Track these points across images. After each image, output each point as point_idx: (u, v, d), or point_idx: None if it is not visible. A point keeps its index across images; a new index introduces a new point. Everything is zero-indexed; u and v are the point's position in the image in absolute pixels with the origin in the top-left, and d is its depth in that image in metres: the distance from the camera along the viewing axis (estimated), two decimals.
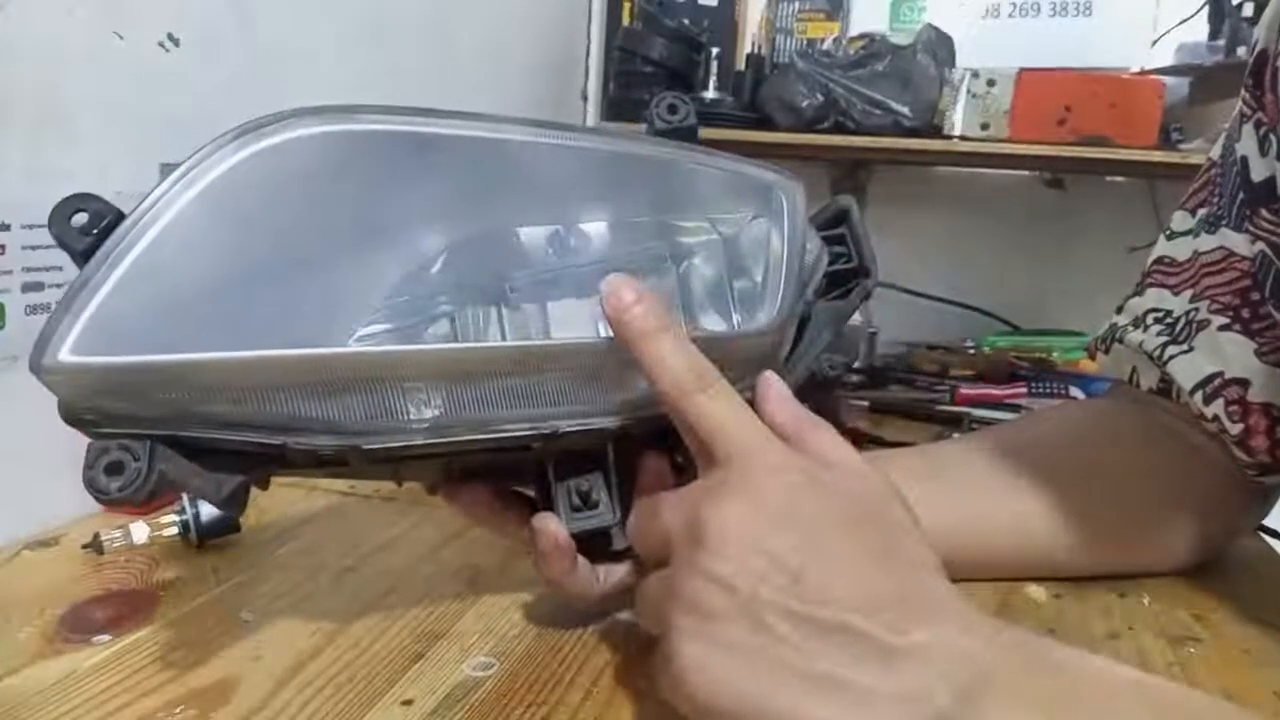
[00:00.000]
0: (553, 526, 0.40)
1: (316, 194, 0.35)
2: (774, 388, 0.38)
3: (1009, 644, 0.30)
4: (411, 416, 0.35)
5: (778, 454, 0.34)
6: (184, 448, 0.33)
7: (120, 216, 0.32)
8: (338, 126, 0.34)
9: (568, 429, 0.37)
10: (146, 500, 0.32)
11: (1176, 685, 0.32)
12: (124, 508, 0.33)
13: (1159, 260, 0.56)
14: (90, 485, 0.31)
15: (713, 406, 0.35)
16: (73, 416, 0.32)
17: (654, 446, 0.41)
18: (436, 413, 0.35)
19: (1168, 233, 0.56)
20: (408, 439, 0.35)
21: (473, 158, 0.37)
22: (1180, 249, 0.54)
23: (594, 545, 0.41)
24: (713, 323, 0.42)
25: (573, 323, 0.40)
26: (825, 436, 0.36)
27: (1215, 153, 0.54)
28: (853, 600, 0.30)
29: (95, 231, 0.32)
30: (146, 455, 0.32)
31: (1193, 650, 0.46)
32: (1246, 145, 0.50)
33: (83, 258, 0.32)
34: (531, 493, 0.43)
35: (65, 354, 0.30)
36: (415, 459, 0.38)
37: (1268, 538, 0.62)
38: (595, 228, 0.40)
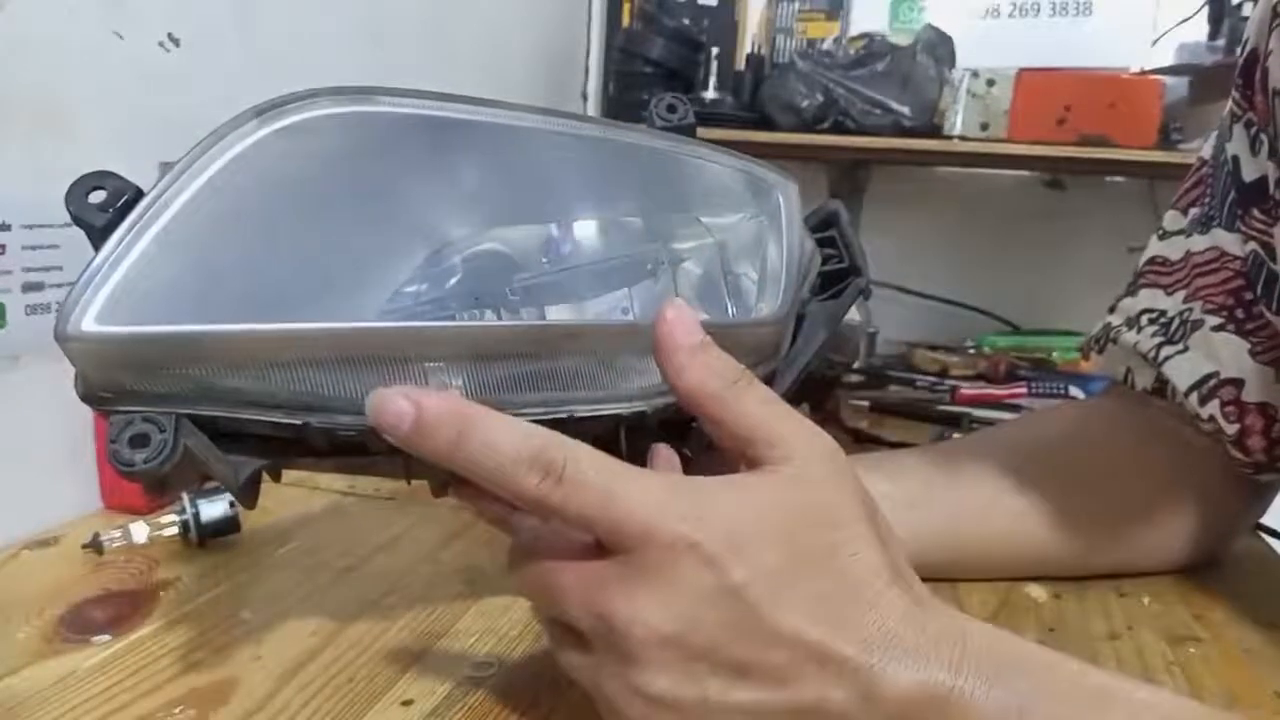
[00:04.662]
0: None
1: (334, 174, 0.35)
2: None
3: (976, 670, 0.28)
4: None
5: (675, 525, 0.29)
6: (202, 429, 0.33)
7: (139, 193, 0.32)
8: (357, 108, 0.34)
9: (583, 414, 0.37)
10: (165, 481, 0.31)
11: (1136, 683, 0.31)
12: (146, 483, 0.32)
13: (1152, 260, 0.56)
14: (114, 458, 0.30)
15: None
16: (91, 394, 0.32)
17: (664, 436, 0.41)
18: (457, 394, 0.35)
19: (1160, 233, 0.56)
20: None
21: (488, 144, 0.37)
22: (1173, 249, 0.54)
23: None
24: None
25: None
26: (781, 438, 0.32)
27: (1206, 151, 0.54)
28: (802, 666, 0.28)
29: (113, 209, 0.31)
30: (172, 428, 0.31)
31: (1193, 650, 0.46)
32: (1237, 145, 0.50)
33: (101, 235, 0.31)
34: None
35: (89, 323, 0.29)
36: None
37: (1268, 537, 0.62)
38: (591, 231, 0.40)
